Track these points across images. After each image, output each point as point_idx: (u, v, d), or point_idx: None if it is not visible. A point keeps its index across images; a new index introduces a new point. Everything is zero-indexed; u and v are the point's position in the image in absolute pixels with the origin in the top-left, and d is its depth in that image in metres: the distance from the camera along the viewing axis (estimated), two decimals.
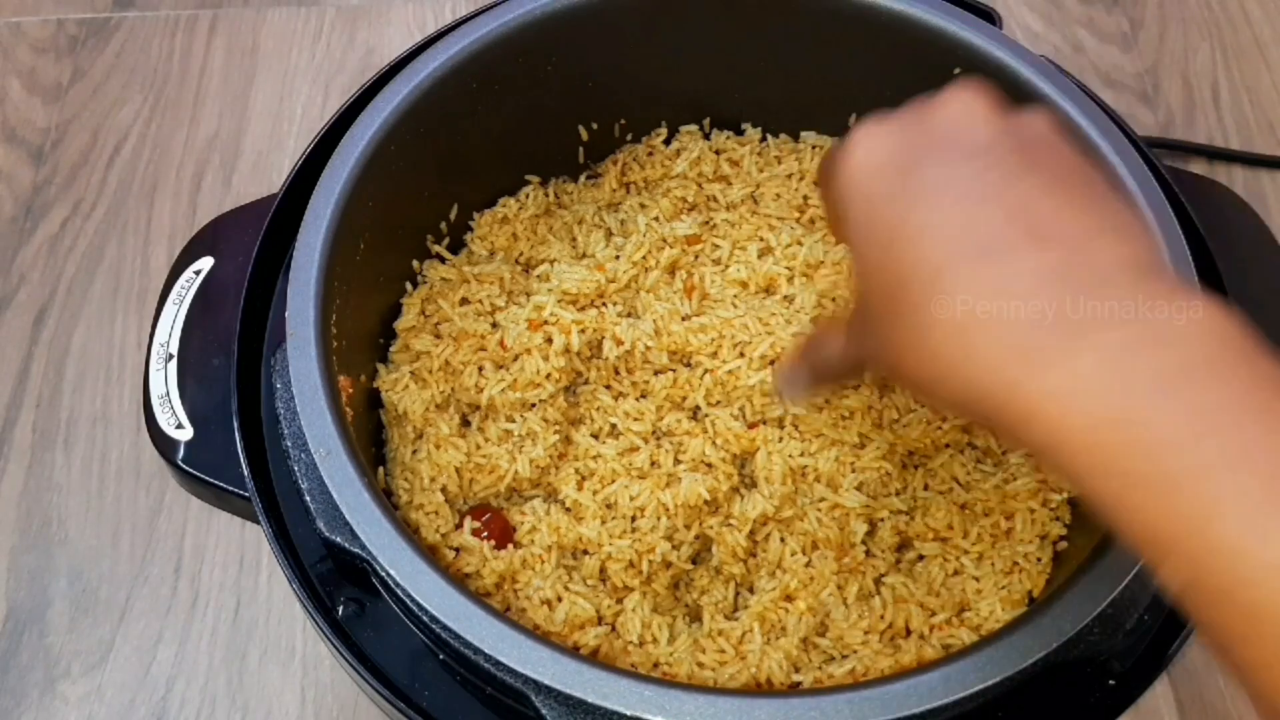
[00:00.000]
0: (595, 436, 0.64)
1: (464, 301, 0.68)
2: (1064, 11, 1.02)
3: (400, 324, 0.68)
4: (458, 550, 0.60)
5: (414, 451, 0.64)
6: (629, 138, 0.75)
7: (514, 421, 0.64)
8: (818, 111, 0.74)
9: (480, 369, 0.65)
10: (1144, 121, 0.95)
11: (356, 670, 0.52)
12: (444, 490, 0.63)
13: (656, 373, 0.65)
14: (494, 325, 0.67)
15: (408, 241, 0.69)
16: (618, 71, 0.71)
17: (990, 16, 0.67)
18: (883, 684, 0.47)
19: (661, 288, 0.68)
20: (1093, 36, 1.00)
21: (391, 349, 0.67)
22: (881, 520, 0.62)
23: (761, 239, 0.70)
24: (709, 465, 0.62)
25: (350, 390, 0.60)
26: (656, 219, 0.71)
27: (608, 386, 0.66)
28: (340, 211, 0.59)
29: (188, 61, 0.98)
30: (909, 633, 0.59)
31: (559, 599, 0.58)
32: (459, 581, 0.51)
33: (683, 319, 0.66)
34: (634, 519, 0.61)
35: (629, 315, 0.66)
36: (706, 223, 0.72)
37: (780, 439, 0.62)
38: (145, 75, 0.97)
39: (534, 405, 0.64)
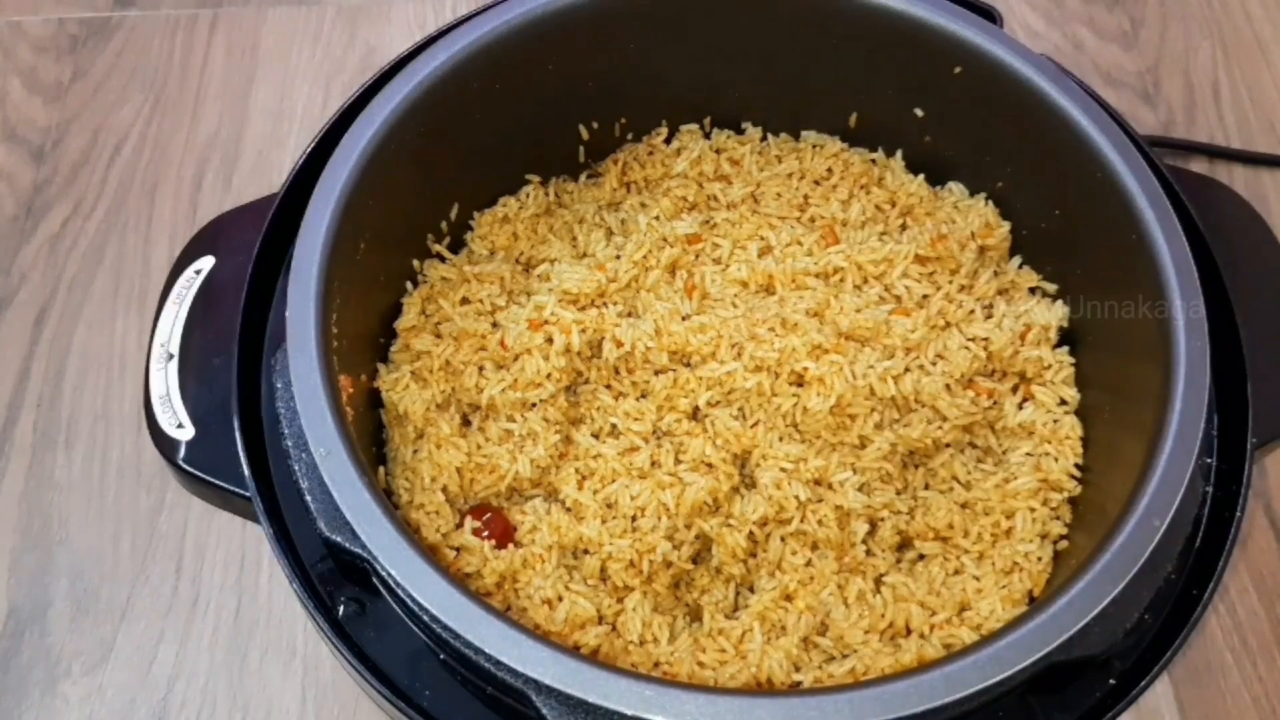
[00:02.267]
0: (596, 436, 0.64)
1: (464, 301, 0.68)
2: (1065, 10, 1.01)
3: (400, 324, 0.68)
4: (458, 550, 0.60)
5: (415, 451, 0.64)
6: (629, 137, 0.75)
7: (515, 421, 0.64)
8: (818, 111, 0.74)
9: (481, 369, 0.65)
10: (1145, 120, 0.95)
11: (357, 670, 0.52)
12: (444, 490, 0.63)
13: (657, 373, 0.65)
14: (494, 325, 0.67)
15: (408, 241, 0.69)
16: (618, 71, 0.70)
17: (991, 15, 0.67)
18: (883, 683, 0.47)
19: (662, 287, 0.68)
20: (1094, 35, 1.00)
21: (392, 349, 0.67)
22: (882, 520, 0.62)
23: (762, 238, 0.70)
24: (709, 465, 0.62)
25: (350, 390, 0.60)
26: (657, 218, 0.71)
27: (608, 386, 0.66)
28: (340, 211, 0.59)
29: (188, 61, 0.98)
30: (909, 632, 0.59)
31: (559, 599, 0.58)
32: (459, 581, 0.51)
33: (683, 319, 0.66)
34: (634, 519, 0.61)
35: (629, 315, 0.66)
36: (707, 222, 0.72)
37: (781, 439, 0.62)
38: (145, 75, 0.97)
39: (534, 405, 0.64)
